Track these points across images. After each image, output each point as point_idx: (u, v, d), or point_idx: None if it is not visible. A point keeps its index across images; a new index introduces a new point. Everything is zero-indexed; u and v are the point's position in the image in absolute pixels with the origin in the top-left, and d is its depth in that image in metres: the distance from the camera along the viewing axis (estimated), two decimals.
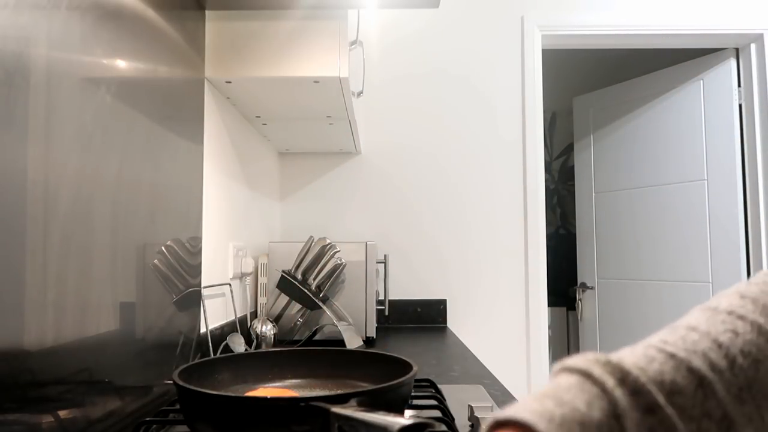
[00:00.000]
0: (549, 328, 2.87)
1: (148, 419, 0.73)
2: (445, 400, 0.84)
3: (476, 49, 2.23)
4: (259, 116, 1.59)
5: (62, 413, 0.66)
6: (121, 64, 0.82)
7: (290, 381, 0.84)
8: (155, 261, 0.94)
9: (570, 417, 0.29)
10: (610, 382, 0.31)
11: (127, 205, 0.84)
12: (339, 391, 0.69)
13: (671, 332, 0.36)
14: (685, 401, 0.31)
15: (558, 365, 0.33)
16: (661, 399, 0.31)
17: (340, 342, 1.48)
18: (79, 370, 0.70)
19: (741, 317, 0.36)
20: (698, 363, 0.33)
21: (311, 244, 1.56)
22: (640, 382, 0.31)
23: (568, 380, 0.32)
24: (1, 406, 0.55)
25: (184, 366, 0.73)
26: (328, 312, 1.53)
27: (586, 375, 0.32)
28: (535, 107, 2.21)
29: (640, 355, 0.33)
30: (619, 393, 0.31)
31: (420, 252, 2.17)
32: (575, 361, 0.33)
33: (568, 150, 3.86)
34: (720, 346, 0.34)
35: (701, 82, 2.50)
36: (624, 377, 0.31)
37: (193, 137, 1.15)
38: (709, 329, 0.35)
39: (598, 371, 0.31)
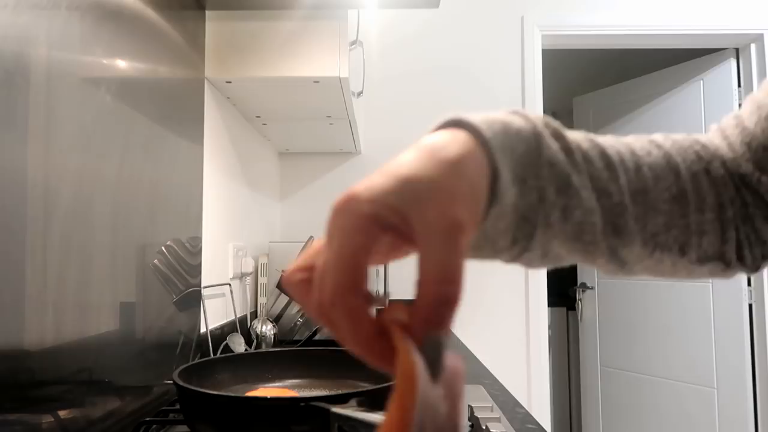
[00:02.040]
0: (549, 328, 2.87)
1: (148, 419, 0.73)
2: None
3: (476, 49, 2.23)
4: (259, 116, 1.59)
5: (62, 413, 0.66)
6: (121, 64, 0.82)
7: (290, 381, 0.84)
8: (155, 261, 0.94)
9: (495, 119, 0.33)
10: (539, 121, 0.35)
11: (127, 205, 0.84)
12: (339, 391, 0.70)
13: (612, 139, 0.40)
14: (588, 166, 0.35)
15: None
16: (575, 147, 0.35)
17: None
18: (79, 370, 0.70)
19: (658, 146, 0.40)
20: (612, 153, 0.37)
21: (311, 244, 1.56)
22: (560, 130, 0.36)
23: (508, 116, 0.35)
24: (1, 406, 0.55)
25: (184, 366, 0.73)
26: None
27: (522, 115, 0.35)
28: (535, 107, 2.21)
29: (578, 136, 0.38)
30: (542, 126, 0.35)
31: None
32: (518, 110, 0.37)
33: None
34: (633, 153, 0.38)
35: (701, 82, 2.50)
36: (550, 123, 0.36)
37: (193, 137, 1.15)
38: (631, 142, 0.40)
39: (533, 115, 0.35)
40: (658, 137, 0.42)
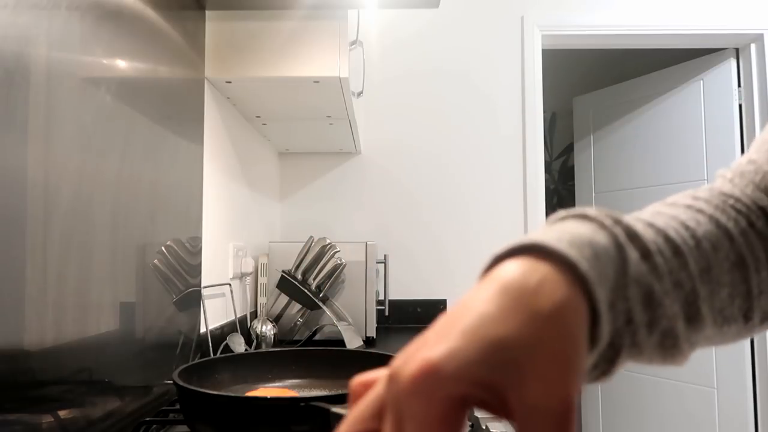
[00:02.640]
0: None
1: (148, 419, 0.73)
2: None
3: (476, 49, 2.23)
4: (259, 116, 1.59)
5: (62, 413, 0.66)
6: (121, 64, 0.82)
7: (290, 381, 0.84)
8: (155, 261, 0.94)
9: (579, 239, 0.28)
10: (608, 221, 0.31)
11: (127, 205, 0.84)
12: (339, 391, 0.69)
13: (640, 213, 0.37)
14: (665, 263, 0.32)
15: (553, 217, 0.33)
16: (653, 247, 0.31)
17: (340, 342, 1.48)
18: (79, 370, 0.70)
19: (699, 211, 0.37)
20: (674, 235, 0.34)
21: (311, 244, 1.56)
22: (633, 228, 0.31)
23: (567, 221, 0.31)
24: (1, 406, 0.55)
25: (184, 366, 0.73)
26: (328, 312, 1.53)
27: (584, 216, 0.31)
28: (535, 107, 2.21)
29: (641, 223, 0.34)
30: (618, 230, 0.31)
31: (420, 252, 2.17)
32: (570, 211, 0.32)
33: (568, 150, 3.86)
34: (687, 228, 0.35)
35: (701, 82, 2.50)
36: (618, 220, 0.31)
37: (193, 137, 1.15)
38: (675, 214, 0.36)
39: (593, 213, 0.31)
40: (692, 200, 0.39)
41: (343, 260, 1.59)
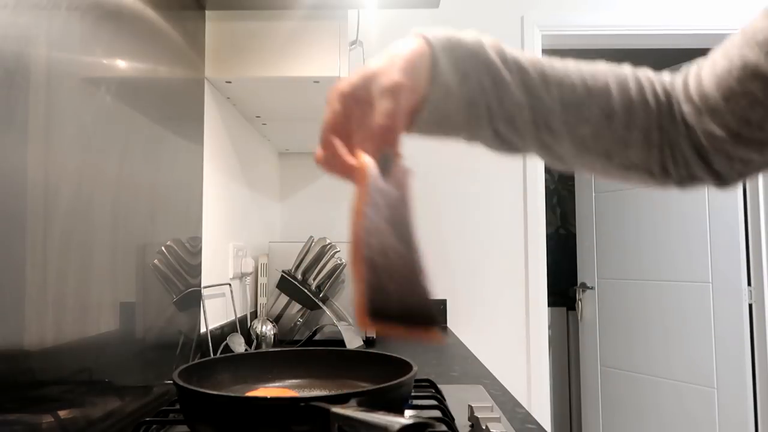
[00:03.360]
0: (549, 328, 2.87)
1: (148, 419, 0.73)
2: (445, 400, 0.84)
3: None
4: (259, 116, 1.59)
5: (62, 413, 0.66)
6: (121, 64, 0.82)
7: (290, 381, 0.84)
8: (155, 261, 0.94)
9: (452, 35, 0.47)
10: (485, 38, 0.48)
11: (127, 205, 0.84)
12: (339, 391, 0.69)
13: (556, 61, 0.50)
14: (527, 77, 0.47)
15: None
16: (510, 57, 0.48)
17: (340, 342, 1.48)
18: (79, 370, 0.70)
19: (605, 73, 0.49)
20: (550, 71, 0.48)
21: (311, 244, 1.56)
22: (502, 47, 0.48)
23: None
24: (1, 406, 0.55)
25: (184, 366, 0.73)
26: (328, 312, 1.53)
27: (475, 35, 0.48)
28: None
29: (521, 54, 0.49)
30: (488, 41, 0.48)
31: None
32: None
33: None
34: (579, 75, 0.49)
35: None
36: (495, 43, 0.48)
37: (193, 137, 1.15)
38: (583, 68, 0.49)
39: (480, 35, 0.48)
40: (613, 68, 0.50)
41: (343, 260, 1.59)
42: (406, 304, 0.40)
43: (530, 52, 0.49)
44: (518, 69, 0.47)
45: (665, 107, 0.49)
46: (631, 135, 0.48)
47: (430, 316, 0.41)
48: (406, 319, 0.40)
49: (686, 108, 0.48)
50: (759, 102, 0.43)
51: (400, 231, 0.43)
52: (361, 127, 0.45)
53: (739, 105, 0.44)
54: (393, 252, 0.41)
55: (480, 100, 0.46)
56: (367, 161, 0.42)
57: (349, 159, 0.44)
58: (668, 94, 0.50)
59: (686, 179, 0.50)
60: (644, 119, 0.48)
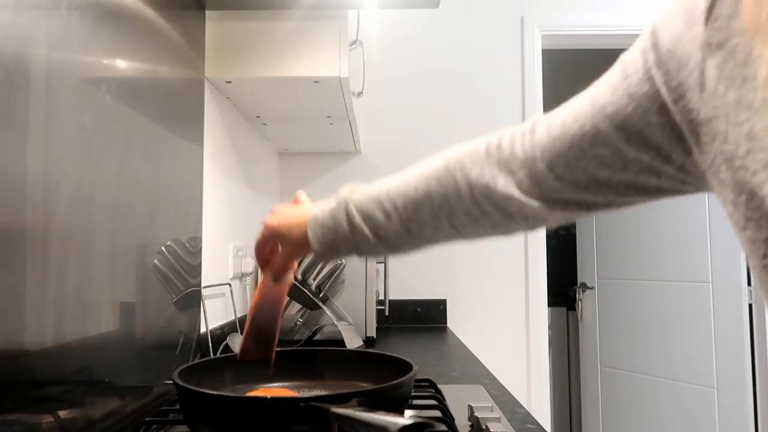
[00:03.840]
0: (549, 328, 2.87)
1: (148, 419, 0.73)
2: (445, 400, 0.84)
3: (476, 49, 2.23)
4: (259, 116, 1.59)
5: (62, 413, 0.66)
6: (121, 64, 0.82)
7: (290, 381, 0.84)
8: (155, 261, 0.94)
9: (322, 212, 0.72)
10: (340, 210, 0.70)
11: (127, 205, 0.84)
12: (339, 391, 0.69)
13: (395, 179, 0.66)
14: (372, 222, 0.66)
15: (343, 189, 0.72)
16: (356, 219, 0.67)
17: (340, 342, 1.48)
18: (79, 370, 0.70)
19: (427, 178, 0.62)
20: (387, 204, 0.65)
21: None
22: (351, 213, 0.68)
23: (337, 198, 0.71)
24: (1, 406, 0.55)
25: (184, 366, 0.73)
26: (328, 312, 1.53)
27: (338, 203, 0.71)
28: (535, 107, 2.21)
29: (366, 197, 0.67)
30: (347, 208, 0.68)
31: (420, 252, 2.17)
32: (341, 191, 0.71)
33: None
34: (405, 195, 0.64)
35: None
36: (348, 210, 0.68)
37: (193, 137, 1.15)
38: (407, 183, 0.64)
39: (343, 194, 0.70)
40: (438, 171, 0.62)
41: (342, 260, 1.59)
42: (261, 350, 0.80)
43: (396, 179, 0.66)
44: (363, 221, 0.66)
45: (480, 187, 0.59)
46: (460, 220, 0.61)
47: (269, 358, 0.80)
48: (259, 357, 0.79)
49: (522, 174, 0.56)
50: (606, 164, 0.49)
51: (271, 312, 0.80)
52: (272, 255, 0.80)
53: (589, 165, 0.50)
54: (263, 321, 0.79)
55: (344, 245, 0.69)
56: (267, 276, 0.79)
57: (263, 271, 0.80)
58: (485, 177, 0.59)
59: (521, 230, 0.61)
60: (469, 206, 0.59)
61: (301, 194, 0.81)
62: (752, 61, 0.37)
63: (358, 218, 0.67)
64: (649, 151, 0.46)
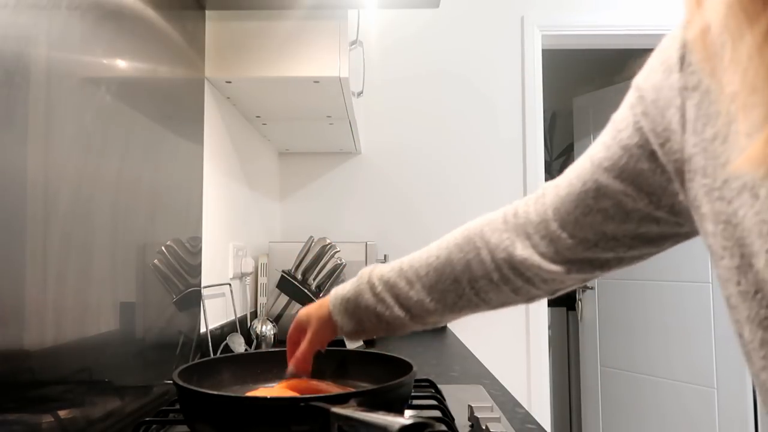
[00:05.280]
0: (549, 328, 2.87)
1: (148, 419, 0.73)
2: (445, 400, 0.84)
3: (476, 49, 2.23)
4: (259, 116, 1.59)
5: (62, 413, 0.66)
6: (121, 64, 0.82)
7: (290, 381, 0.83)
8: (155, 261, 0.94)
9: (342, 292, 0.72)
10: (368, 280, 0.70)
11: (127, 205, 0.84)
12: (339, 391, 0.69)
13: (416, 254, 0.69)
14: (397, 291, 0.67)
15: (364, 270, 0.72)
16: (380, 290, 0.68)
17: (340, 342, 1.48)
18: (79, 370, 0.70)
19: (448, 247, 0.66)
20: (410, 273, 0.67)
21: (311, 244, 1.56)
22: (375, 286, 0.69)
23: (360, 279, 0.71)
24: (1, 406, 0.55)
25: (184, 366, 0.73)
26: None
27: (360, 282, 0.71)
28: (535, 107, 2.21)
29: (388, 269, 0.69)
30: (370, 283, 0.69)
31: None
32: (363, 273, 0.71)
33: (568, 150, 3.87)
34: (428, 264, 0.66)
35: None
36: (371, 283, 0.69)
37: (193, 137, 1.15)
38: (430, 254, 0.67)
39: (365, 276, 0.70)
40: (457, 239, 0.65)
41: (343, 260, 1.59)
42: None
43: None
44: (389, 293, 0.67)
45: (500, 256, 0.62)
46: (480, 286, 0.63)
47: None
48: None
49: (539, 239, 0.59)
50: (610, 217, 0.52)
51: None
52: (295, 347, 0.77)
53: (596, 220, 0.53)
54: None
55: (367, 315, 0.69)
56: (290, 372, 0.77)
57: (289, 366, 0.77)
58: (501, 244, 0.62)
59: (542, 295, 0.65)
60: (484, 272, 0.62)
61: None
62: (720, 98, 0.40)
63: (380, 288, 0.67)
64: (644, 198, 0.49)
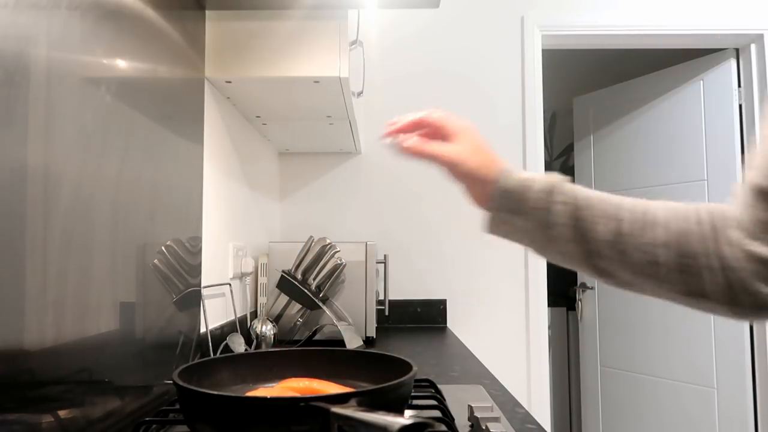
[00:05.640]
0: (549, 328, 2.87)
1: (148, 419, 0.73)
2: (445, 400, 0.84)
3: (476, 49, 2.23)
4: (259, 116, 1.59)
5: (62, 413, 0.66)
6: (121, 64, 0.82)
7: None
8: (155, 261, 0.94)
9: (525, 177, 0.64)
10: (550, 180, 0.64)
11: (127, 205, 0.84)
12: (339, 391, 0.69)
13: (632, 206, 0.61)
14: (578, 202, 0.61)
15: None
16: (561, 197, 0.61)
17: (340, 342, 1.48)
18: (79, 370, 0.70)
19: (667, 208, 0.59)
20: (602, 205, 0.60)
21: (311, 244, 1.56)
22: (563, 191, 0.63)
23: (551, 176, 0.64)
24: (1, 406, 0.55)
25: (184, 366, 0.73)
26: (328, 312, 1.53)
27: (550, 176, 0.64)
28: (535, 107, 2.21)
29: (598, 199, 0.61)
30: (543, 181, 0.63)
31: (420, 252, 2.17)
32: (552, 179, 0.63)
33: (568, 150, 3.86)
34: (645, 210, 0.60)
35: (701, 82, 2.50)
36: (564, 190, 0.62)
37: (193, 137, 1.15)
38: (648, 203, 0.59)
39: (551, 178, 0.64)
40: (675, 206, 0.58)
41: (343, 260, 1.59)
42: None
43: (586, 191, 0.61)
44: (567, 196, 0.60)
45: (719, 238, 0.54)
46: (685, 261, 0.54)
47: None
48: None
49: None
50: None
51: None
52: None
53: None
54: None
55: (527, 207, 0.62)
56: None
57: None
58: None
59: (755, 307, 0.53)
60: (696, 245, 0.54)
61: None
62: None
63: (561, 197, 0.60)
64: None
